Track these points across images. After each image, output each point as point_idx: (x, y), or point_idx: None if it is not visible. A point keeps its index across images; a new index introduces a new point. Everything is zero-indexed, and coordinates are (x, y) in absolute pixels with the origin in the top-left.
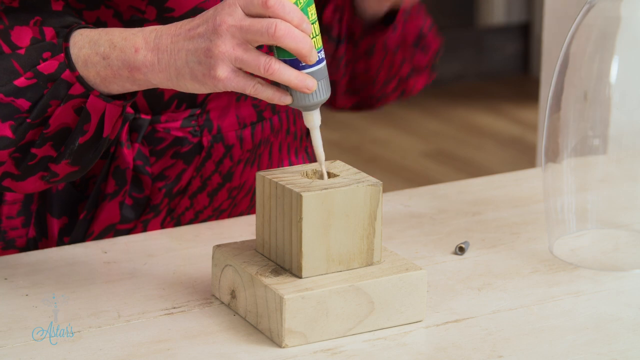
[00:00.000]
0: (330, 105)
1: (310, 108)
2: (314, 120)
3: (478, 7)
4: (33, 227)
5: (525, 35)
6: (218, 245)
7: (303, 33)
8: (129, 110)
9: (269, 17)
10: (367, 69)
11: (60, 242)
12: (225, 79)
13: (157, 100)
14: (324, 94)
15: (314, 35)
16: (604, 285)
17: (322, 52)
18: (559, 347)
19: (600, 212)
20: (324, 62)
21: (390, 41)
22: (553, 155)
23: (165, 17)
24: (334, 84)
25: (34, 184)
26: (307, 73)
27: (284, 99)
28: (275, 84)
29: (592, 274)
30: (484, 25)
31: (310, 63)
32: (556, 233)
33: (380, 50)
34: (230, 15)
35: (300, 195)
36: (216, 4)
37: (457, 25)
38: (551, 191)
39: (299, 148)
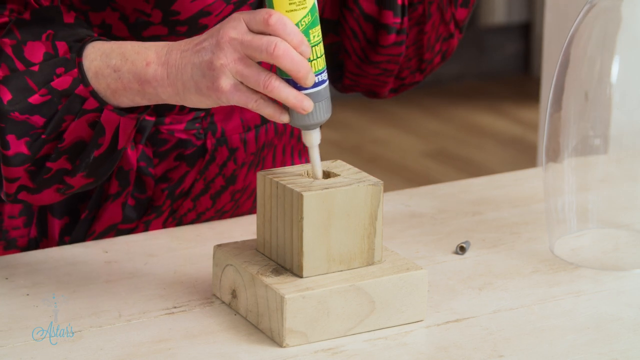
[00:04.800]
0: (375, 95)
1: (308, 128)
2: (312, 139)
3: (479, 6)
4: (35, 227)
5: (526, 35)
6: (219, 245)
7: (301, 56)
8: None
9: (270, 34)
10: (421, 31)
11: (61, 242)
12: (228, 91)
13: None
14: (323, 115)
15: (315, 57)
16: (605, 285)
17: (325, 74)
18: (559, 347)
19: (600, 212)
20: (325, 84)
21: None
22: (554, 155)
23: (170, 20)
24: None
25: (49, 196)
26: (306, 94)
27: (283, 118)
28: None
29: (592, 273)
30: (484, 25)
31: (306, 86)
32: (557, 233)
33: (436, 11)
34: (234, 29)
35: (301, 195)
36: (221, 8)
37: None
38: (552, 191)
39: (302, 151)
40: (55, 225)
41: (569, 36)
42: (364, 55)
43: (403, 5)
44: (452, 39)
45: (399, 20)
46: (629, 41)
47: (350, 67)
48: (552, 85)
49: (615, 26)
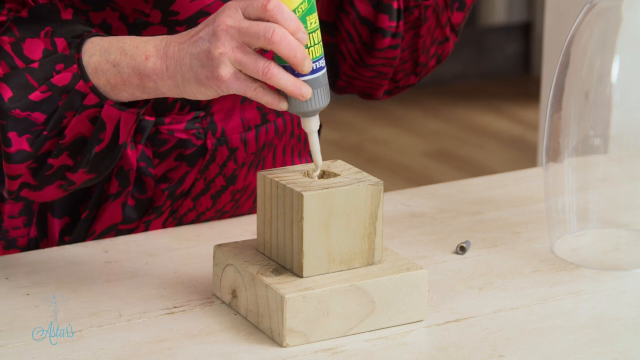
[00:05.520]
0: (370, 96)
1: (307, 114)
2: (311, 125)
3: (479, 6)
4: (35, 226)
5: (526, 34)
6: (219, 245)
7: (298, 42)
8: None
9: (268, 21)
10: (417, 35)
11: (61, 242)
12: (228, 80)
13: (160, 102)
14: (322, 102)
15: (313, 44)
16: (605, 285)
17: (322, 61)
18: (559, 346)
19: (601, 212)
20: (323, 71)
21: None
22: (554, 155)
23: (169, 20)
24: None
25: (51, 193)
26: (304, 80)
27: (282, 105)
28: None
29: (593, 273)
30: (485, 25)
31: (303, 72)
32: (557, 232)
33: (432, 15)
34: (230, 17)
35: (301, 195)
36: (220, 7)
37: None
38: (552, 191)
39: (302, 151)
40: (56, 225)
41: (569, 36)
42: (359, 58)
43: (399, 9)
44: (447, 43)
45: (394, 24)
46: (629, 41)
47: (345, 70)
48: (553, 85)
49: (615, 26)
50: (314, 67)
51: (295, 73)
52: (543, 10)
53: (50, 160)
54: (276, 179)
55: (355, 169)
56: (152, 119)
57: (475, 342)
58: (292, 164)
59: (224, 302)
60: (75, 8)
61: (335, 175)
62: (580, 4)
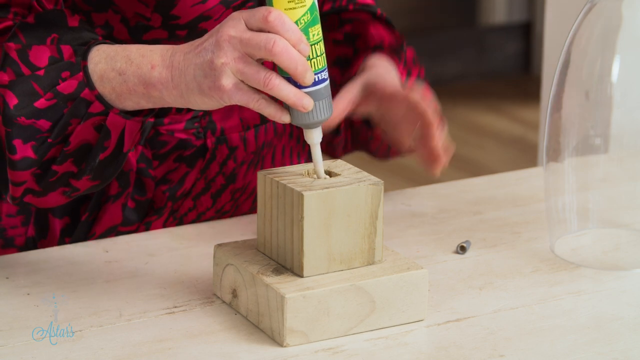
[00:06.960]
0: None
1: (309, 126)
2: (313, 137)
3: (479, 6)
4: (32, 226)
5: (526, 34)
6: (219, 245)
7: (299, 54)
8: None
9: (269, 32)
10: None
11: (61, 242)
12: (229, 90)
13: None
14: (324, 114)
15: (315, 56)
16: (605, 285)
17: (325, 73)
18: (560, 346)
19: (601, 212)
20: (326, 83)
21: None
22: (554, 155)
23: (170, 24)
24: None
25: (55, 199)
26: (306, 92)
27: (284, 118)
28: (277, 101)
29: (593, 273)
30: (485, 25)
31: (304, 84)
32: (557, 232)
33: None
34: (233, 28)
35: (302, 195)
36: (221, 12)
37: (458, 25)
38: (552, 190)
39: (301, 151)
40: (56, 225)
41: (569, 36)
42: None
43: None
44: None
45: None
46: (629, 41)
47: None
48: (553, 85)
49: (615, 26)
50: (316, 79)
51: (298, 85)
52: (543, 10)
53: (55, 167)
54: (276, 179)
55: (356, 168)
56: (152, 119)
57: (475, 342)
58: (291, 164)
59: (224, 302)
60: (77, 8)
61: (335, 175)
62: (580, 4)
